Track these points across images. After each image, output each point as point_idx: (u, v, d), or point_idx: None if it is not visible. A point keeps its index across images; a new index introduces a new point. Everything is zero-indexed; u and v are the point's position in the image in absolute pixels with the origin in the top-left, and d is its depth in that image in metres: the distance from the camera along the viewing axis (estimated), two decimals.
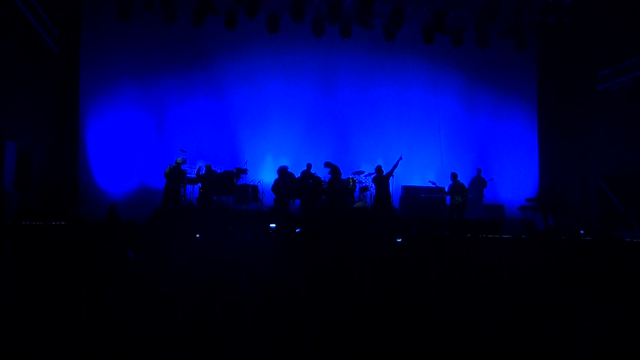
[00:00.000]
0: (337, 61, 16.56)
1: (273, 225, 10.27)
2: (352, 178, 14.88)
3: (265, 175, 15.14)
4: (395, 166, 13.95)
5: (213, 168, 14.31)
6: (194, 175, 14.28)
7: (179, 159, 13.84)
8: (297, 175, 14.24)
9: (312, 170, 14.32)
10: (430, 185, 15.19)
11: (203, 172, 14.13)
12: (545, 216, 14.52)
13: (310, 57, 16.41)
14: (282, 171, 14.01)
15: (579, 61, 16.83)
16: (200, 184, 14.08)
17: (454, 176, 14.59)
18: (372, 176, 14.42)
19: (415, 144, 16.72)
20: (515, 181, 17.04)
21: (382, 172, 13.93)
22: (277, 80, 16.31)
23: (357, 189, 14.90)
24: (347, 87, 16.78)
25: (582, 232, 12.47)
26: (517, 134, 17.61)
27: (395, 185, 14.87)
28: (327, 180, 14.08)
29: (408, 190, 15.32)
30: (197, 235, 8.63)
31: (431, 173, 16.33)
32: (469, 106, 17.36)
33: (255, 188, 14.56)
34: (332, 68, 16.67)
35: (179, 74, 15.82)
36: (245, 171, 14.67)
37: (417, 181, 15.91)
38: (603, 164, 16.09)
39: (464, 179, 15.17)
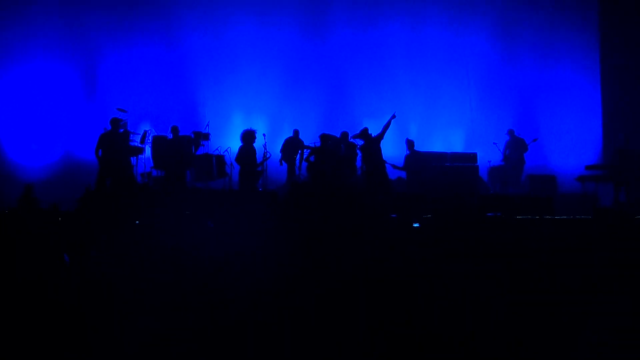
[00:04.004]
0: None
1: None
2: (353, 143, 13.35)
3: (234, 142, 13.36)
4: (386, 126, 12.33)
5: (164, 133, 12.97)
6: (138, 143, 12.84)
7: (115, 119, 12.03)
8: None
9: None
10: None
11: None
12: (617, 188, 13.17)
13: None
14: (247, 136, 12.55)
15: None
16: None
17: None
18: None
19: (435, 98, 15.43)
20: (570, 144, 15.57)
21: (370, 135, 12.33)
22: (248, 18, 15.03)
23: (358, 156, 13.40)
24: (343, 25, 15.42)
25: None
26: (572, 84, 16.04)
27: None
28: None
29: (424, 158, 13.65)
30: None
31: (458, 136, 15.30)
32: (506, 48, 15.86)
33: (220, 159, 13.02)
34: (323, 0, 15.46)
35: (116, 12, 14.44)
36: (206, 136, 13.20)
37: (438, 146, 14.51)
38: None
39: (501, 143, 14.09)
